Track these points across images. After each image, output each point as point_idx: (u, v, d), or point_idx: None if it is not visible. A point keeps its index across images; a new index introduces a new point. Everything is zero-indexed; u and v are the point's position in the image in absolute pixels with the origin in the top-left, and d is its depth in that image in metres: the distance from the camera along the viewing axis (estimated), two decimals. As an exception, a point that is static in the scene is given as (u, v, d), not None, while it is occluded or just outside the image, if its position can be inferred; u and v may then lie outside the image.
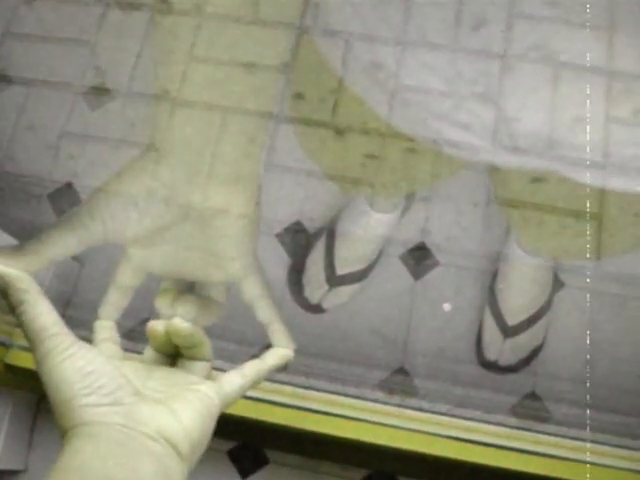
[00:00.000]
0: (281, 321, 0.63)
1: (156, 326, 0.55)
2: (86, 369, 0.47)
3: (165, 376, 0.54)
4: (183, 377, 0.54)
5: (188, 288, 0.63)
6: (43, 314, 0.48)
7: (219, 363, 0.65)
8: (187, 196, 0.54)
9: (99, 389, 0.47)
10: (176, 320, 0.53)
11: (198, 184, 0.54)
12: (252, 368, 0.58)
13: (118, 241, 0.56)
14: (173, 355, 0.58)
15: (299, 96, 0.75)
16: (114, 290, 0.61)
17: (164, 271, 0.60)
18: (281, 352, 0.61)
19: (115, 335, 0.59)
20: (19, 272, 0.49)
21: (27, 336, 0.49)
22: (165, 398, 0.51)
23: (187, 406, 0.50)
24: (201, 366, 0.56)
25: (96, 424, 0.46)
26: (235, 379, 0.56)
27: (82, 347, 0.49)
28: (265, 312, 0.62)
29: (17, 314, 0.49)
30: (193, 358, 0.56)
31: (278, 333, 0.62)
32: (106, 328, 0.60)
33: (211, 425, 0.52)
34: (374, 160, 0.77)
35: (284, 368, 0.62)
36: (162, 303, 0.59)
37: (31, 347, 0.48)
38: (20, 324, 0.49)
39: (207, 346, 0.56)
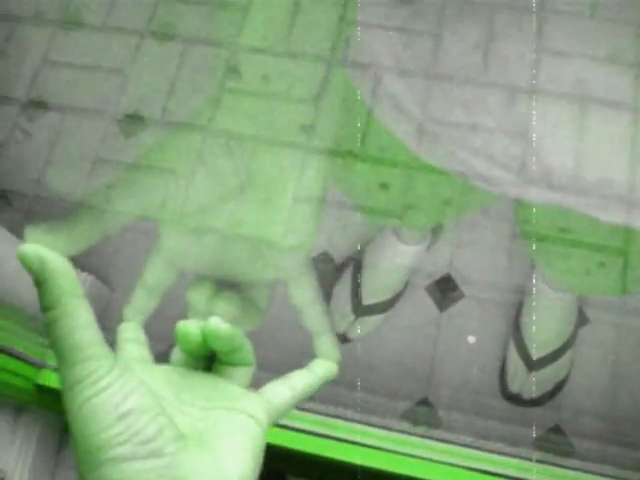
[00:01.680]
0: (331, 331, 0.57)
1: (189, 328, 0.46)
2: (123, 408, 0.37)
3: (202, 386, 0.46)
4: (223, 387, 0.46)
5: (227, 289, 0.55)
6: (80, 328, 0.38)
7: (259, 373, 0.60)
8: (253, 159, 0.50)
9: (136, 435, 0.37)
10: (214, 320, 0.44)
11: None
12: (301, 380, 0.50)
13: (162, 214, 0.50)
14: (206, 356, 0.49)
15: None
16: (141, 289, 0.55)
17: (200, 267, 0.53)
18: (328, 364, 0.53)
19: (141, 336, 0.53)
20: (63, 261, 0.38)
21: (56, 352, 0.38)
22: (207, 431, 0.42)
23: (234, 450, 0.42)
24: (243, 373, 0.48)
25: None
26: (284, 392, 0.49)
27: (122, 375, 0.38)
28: (315, 319, 0.57)
29: (48, 320, 0.38)
30: (231, 364, 0.48)
31: (327, 344, 0.56)
32: (131, 328, 0.53)
33: (260, 459, 0.44)
34: (402, 192, 0.78)
35: (329, 382, 0.54)
36: (197, 296, 0.53)
37: (58, 368, 0.39)
38: (49, 334, 0.39)
39: (248, 350, 0.48)
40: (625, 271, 0.70)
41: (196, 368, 0.49)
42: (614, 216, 0.63)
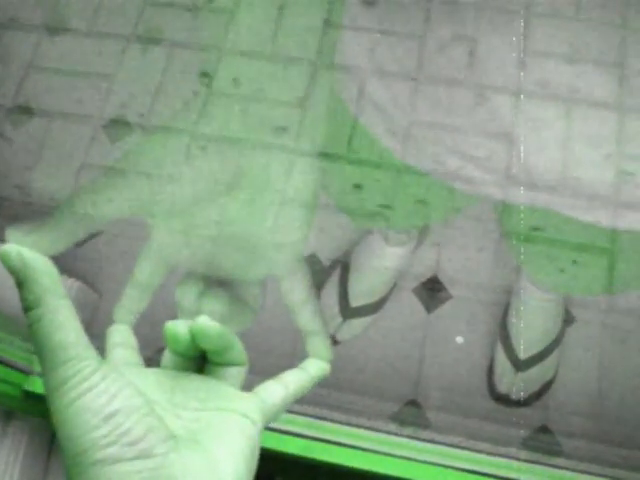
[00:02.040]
0: (325, 331, 0.56)
1: (177, 328, 0.45)
2: (109, 408, 0.36)
3: (194, 387, 0.45)
4: (216, 388, 0.45)
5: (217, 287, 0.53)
6: (63, 327, 0.37)
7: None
8: (238, 160, 0.49)
9: (124, 436, 0.36)
10: (202, 319, 0.43)
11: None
12: (294, 379, 0.50)
13: (151, 210, 0.49)
14: (198, 357, 0.48)
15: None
16: (132, 289, 0.53)
17: (191, 263, 0.52)
18: (321, 364, 0.53)
19: (131, 339, 0.51)
20: (45, 260, 0.38)
21: (39, 353, 0.37)
22: (200, 431, 0.41)
23: (229, 450, 0.40)
24: (235, 372, 0.47)
25: None
26: (277, 391, 0.48)
27: (107, 376, 0.37)
28: (308, 318, 0.55)
29: (30, 320, 0.38)
30: (223, 364, 0.47)
31: (319, 344, 0.55)
32: (120, 332, 0.51)
33: (255, 459, 0.43)
34: (388, 194, 0.78)
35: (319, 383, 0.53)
36: (186, 295, 0.52)
37: (42, 370, 0.38)
38: (31, 334, 0.38)
39: (239, 349, 0.46)
40: (611, 271, 0.71)
41: (188, 370, 0.47)
42: (599, 217, 0.63)
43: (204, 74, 0.52)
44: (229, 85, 0.51)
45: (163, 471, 0.37)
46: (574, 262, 0.79)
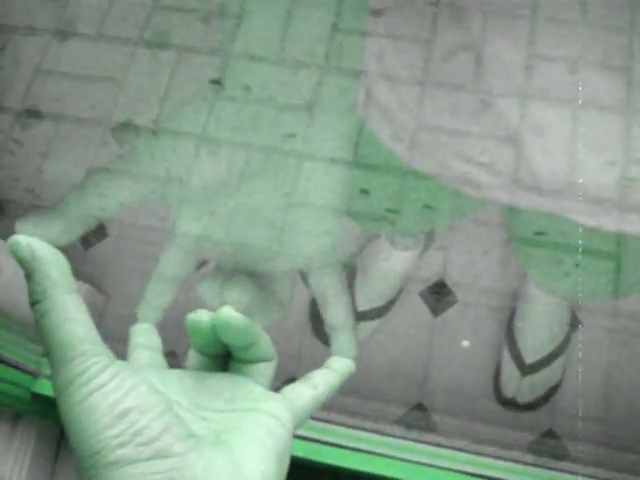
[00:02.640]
0: (353, 327, 0.53)
1: (200, 316, 0.41)
2: (122, 405, 0.34)
3: (219, 388, 0.41)
4: (242, 388, 0.42)
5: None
6: (71, 322, 0.35)
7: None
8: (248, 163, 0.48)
9: (138, 435, 0.34)
10: (226, 310, 0.39)
11: None
12: (322, 378, 0.46)
13: (177, 195, 0.47)
14: (223, 357, 0.45)
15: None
16: (156, 283, 0.51)
17: (217, 253, 0.50)
18: (346, 362, 0.49)
19: (154, 339, 0.48)
20: (55, 252, 0.37)
21: (47, 350, 0.36)
22: (225, 431, 0.38)
23: (255, 451, 0.37)
24: (263, 369, 0.44)
25: None
26: (306, 391, 0.44)
27: (119, 373, 0.35)
28: (337, 312, 0.53)
29: (37, 314, 0.36)
30: (249, 360, 0.43)
31: (346, 340, 0.52)
32: (142, 331, 0.48)
33: (285, 463, 0.39)
34: (394, 199, 0.78)
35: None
36: (207, 286, 0.50)
37: (50, 368, 0.36)
38: (38, 330, 0.36)
39: (266, 344, 0.43)
40: (617, 275, 0.71)
41: (213, 370, 0.44)
42: (605, 221, 0.63)
43: (214, 81, 0.52)
44: (239, 91, 0.52)
45: (183, 472, 0.34)
46: (579, 266, 0.79)
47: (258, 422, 0.39)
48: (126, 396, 0.35)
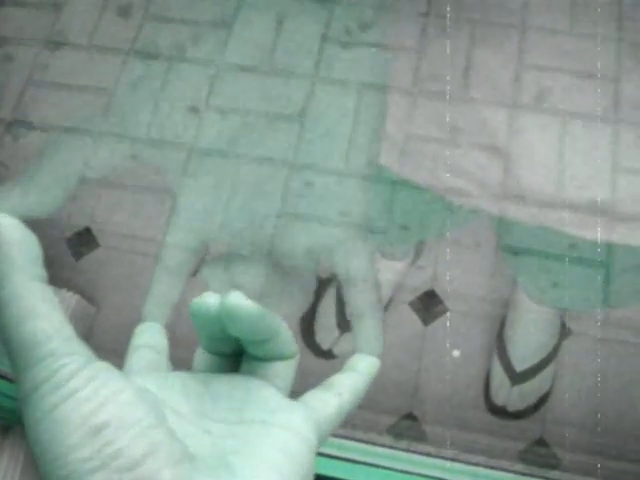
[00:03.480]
0: (379, 316, 0.46)
1: (206, 301, 0.33)
2: (97, 419, 0.27)
3: (229, 393, 0.34)
4: (256, 393, 0.34)
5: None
6: (38, 315, 0.29)
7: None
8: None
9: (116, 457, 0.26)
10: (235, 295, 0.32)
11: None
12: (347, 383, 0.40)
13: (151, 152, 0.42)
14: (237, 355, 0.37)
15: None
16: (161, 274, 0.44)
17: (226, 233, 0.45)
18: (371, 360, 0.43)
19: (160, 340, 0.41)
20: (24, 231, 0.30)
21: (8, 351, 0.29)
22: (231, 451, 0.30)
23: (268, 476, 0.29)
24: (281, 369, 0.36)
25: None
26: (329, 399, 0.37)
27: (96, 376, 0.28)
28: (362, 297, 0.46)
29: None
30: (265, 358, 0.36)
31: (370, 330, 0.45)
32: (146, 331, 0.41)
33: None
34: (385, 208, 0.78)
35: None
36: (214, 269, 0.44)
37: (14, 373, 0.29)
38: None
39: (286, 338, 0.36)
40: (607, 284, 0.71)
41: (224, 372, 0.37)
42: (594, 231, 0.63)
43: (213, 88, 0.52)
44: (228, 101, 0.52)
45: None
46: (568, 276, 0.79)
47: (272, 439, 0.31)
48: (101, 407, 0.27)
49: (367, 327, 0.45)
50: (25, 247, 0.29)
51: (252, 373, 0.36)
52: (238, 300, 0.32)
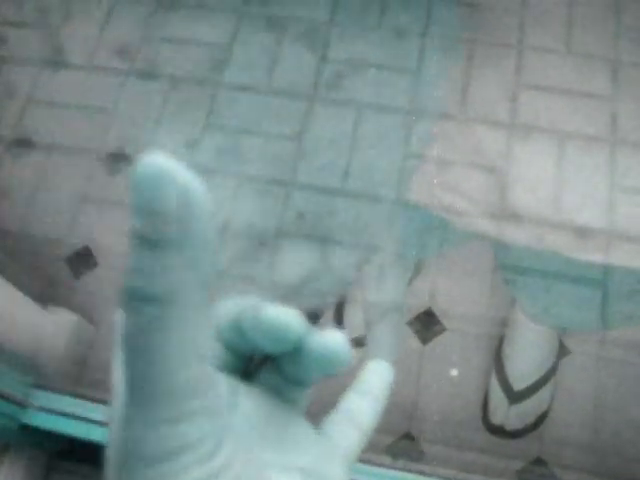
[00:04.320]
0: (402, 314, 0.37)
1: (288, 314, 0.26)
2: None
3: (277, 428, 0.28)
4: (291, 431, 0.28)
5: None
6: (203, 356, 0.22)
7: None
8: None
9: None
10: (337, 336, 0.26)
11: None
12: (365, 412, 0.32)
13: None
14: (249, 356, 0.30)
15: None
16: None
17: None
18: (387, 379, 0.35)
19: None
20: (207, 198, 0.20)
21: (129, 399, 0.22)
22: None
23: None
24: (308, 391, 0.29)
25: None
26: (352, 435, 0.31)
27: (236, 448, 0.23)
28: (384, 297, 0.38)
29: (143, 322, 0.20)
30: (307, 385, 0.30)
31: (386, 336, 0.35)
32: (228, 307, 0.29)
33: None
34: (384, 227, 0.79)
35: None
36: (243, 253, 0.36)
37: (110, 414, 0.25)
38: (128, 351, 0.21)
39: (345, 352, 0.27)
40: (605, 303, 0.71)
41: (233, 373, 0.30)
42: (592, 251, 0.63)
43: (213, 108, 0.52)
44: (226, 119, 0.52)
45: None
46: (566, 296, 0.79)
47: None
48: None
49: (381, 331, 0.37)
50: (211, 231, 0.20)
51: (269, 386, 0.30)
52: (341, 347, 0.26)
